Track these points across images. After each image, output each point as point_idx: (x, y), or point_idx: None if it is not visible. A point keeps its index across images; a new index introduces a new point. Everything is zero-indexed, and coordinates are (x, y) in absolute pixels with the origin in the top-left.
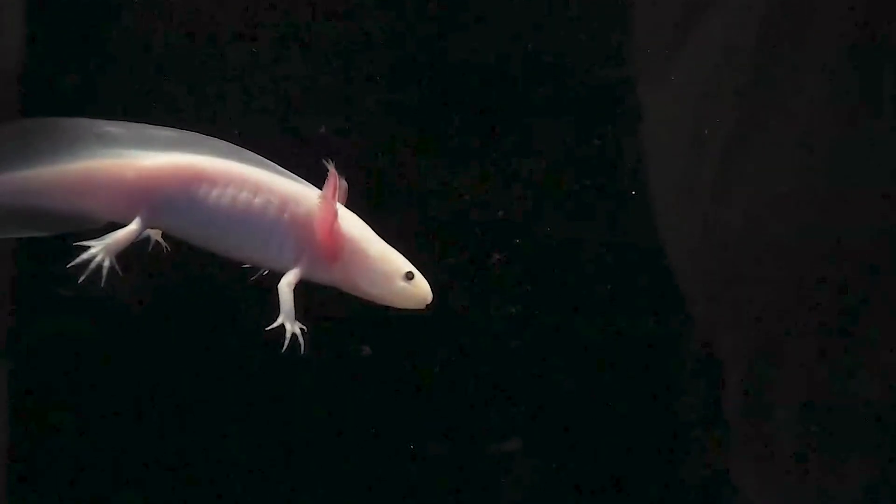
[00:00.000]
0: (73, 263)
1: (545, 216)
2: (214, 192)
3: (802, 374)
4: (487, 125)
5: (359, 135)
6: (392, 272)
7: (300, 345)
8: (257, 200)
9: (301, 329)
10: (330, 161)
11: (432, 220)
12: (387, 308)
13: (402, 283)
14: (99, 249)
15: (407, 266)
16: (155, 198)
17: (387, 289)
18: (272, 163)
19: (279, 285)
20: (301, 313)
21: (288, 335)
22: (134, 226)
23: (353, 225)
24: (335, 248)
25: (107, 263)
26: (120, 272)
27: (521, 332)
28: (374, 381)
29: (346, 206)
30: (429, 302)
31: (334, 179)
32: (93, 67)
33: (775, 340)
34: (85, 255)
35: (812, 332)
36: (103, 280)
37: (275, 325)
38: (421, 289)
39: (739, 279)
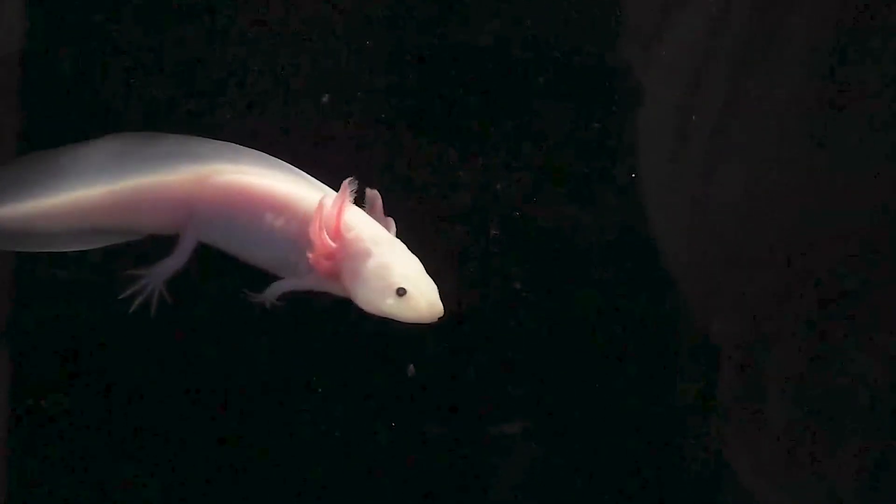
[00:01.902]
0: (124, 295)
1: (543, 198)
2: (244, 213)
3: (797, 358)
4: (487, 107)
5: (359, 117)
6: (383, 289)
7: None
8: (279, 222)
9: (273, 305)
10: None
11: (433, 202)
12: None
13: (392, 301)
14: (150, 279)
15: (404, 282)
16: (199, 215)
17: (377, 305)
18: (303, 173)
19: (277, 281)
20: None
21: (262, 297)
22: (182, 254)
23: (355, 240)
24: (331, 265)
25: (157, 292)
26: (169, 300)
27: (517, 315)
28: (375, 361)
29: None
30: (425, 319)
31: (341, 200)
32: (92, 53)
33: (770, 324)
34: (137, 286)
35: (806, 315)
36: (153, 308)
37: (254, 297)
38: (413, 307)
39: (734, 263)
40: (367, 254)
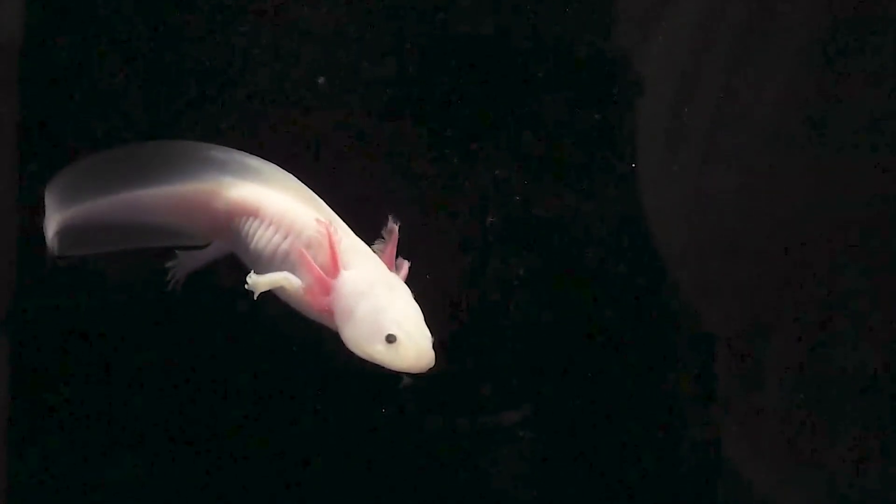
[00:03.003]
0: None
1: (542, 188)
2: (259, 231)
3: (796, 348)
4: (486, 97)
5: (358, 106)
6: (372, 333)
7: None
8: (284, 245)
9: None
10: (331, 227)
11: (431, 192)
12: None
13: (381, 347)
14: (175, 264)
15: (395, 328)
16: (230, 228)
17: (365, 349)
18: (323, 203)
19: (275, 273)
20: None
21: (248, 283)
22: (211, 250)
23: (351, 280)
24: (325, 302)
25: (178, 277)
26: (178, 289)
27: (514, 305)
28: None
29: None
30: (413, 369)
31: (341, 234)
32: (91, 43)
33: (769, 314)
34: (168, 264)
35: (806, 305)
36: (171, 286)
37: (248, 280)
38: (402, 355)
39: (733, 253)
40: (361, 294)
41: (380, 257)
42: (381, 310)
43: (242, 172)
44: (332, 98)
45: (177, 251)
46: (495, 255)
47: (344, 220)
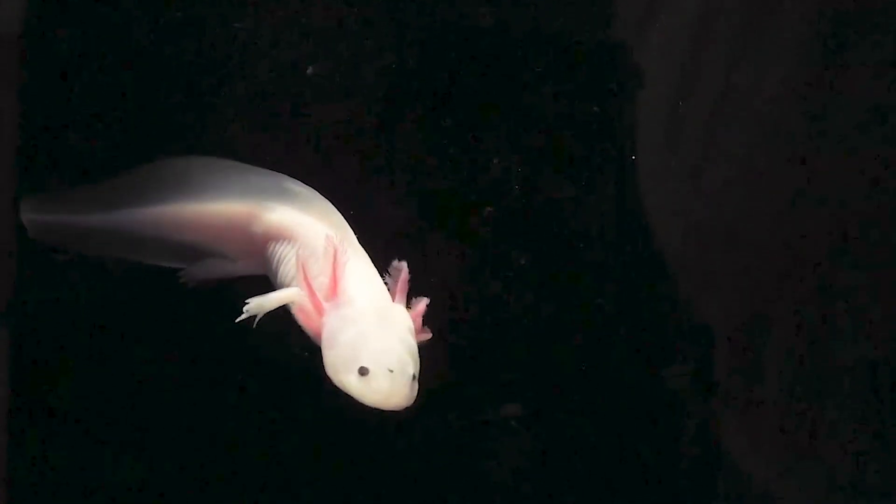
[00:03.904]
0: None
1: (540, 180)
2: (289, 256)
3: (796, 340)
4: (485, 89)
5: (358, 98)
6: (347, 362)
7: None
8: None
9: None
10: (337, 256)
11: (430, 183)
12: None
13: (353, 378)
14: (186, 274)
15: (370, 361)
16: (265, 252)
17: (338, 376)
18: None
19: (281, 289)
20: None
21: (247, 310)
22: (238, 266)
23: (344, 305)
24: (315, 324)
25: (191, 279)
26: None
27: (511, 297)
28: None
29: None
30: (381, 406)
31: (335, 261)
32: (92, 32)
33: (769, 306)
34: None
35: (803, 296)
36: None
37: (247, 306)
38: (373, 389)
39: (733, 245)
40: (350, 321)
41: (391, 290)
42: (362, 340)
43: (282, 197)
44: (330, 90)
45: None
46: (493, 247)
47: (338, 210)
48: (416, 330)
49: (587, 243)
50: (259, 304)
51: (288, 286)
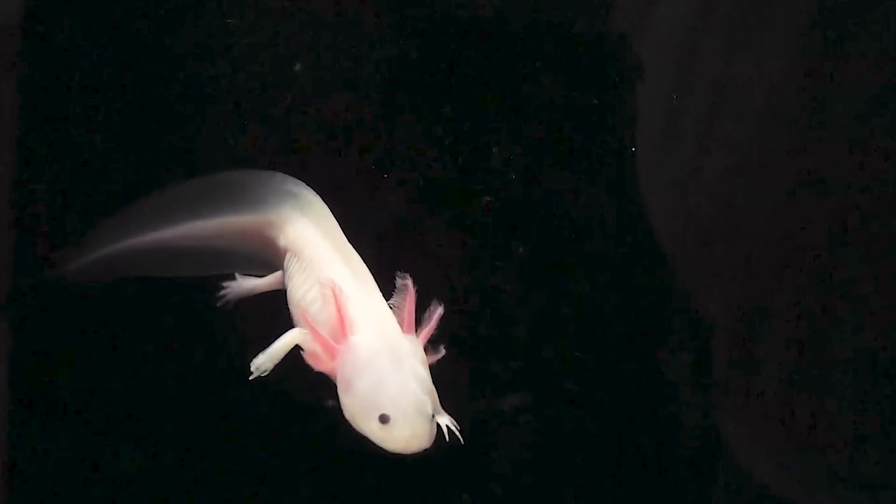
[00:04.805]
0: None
1: (540, 171)
2: (296, 272)
3: (795, 331)
4: (485, 80)
5: (357, 89)
6: (368, 410)
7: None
8: (312, 293)
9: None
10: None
11: (429, 174)
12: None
13: (374, 425)
14: (228, 290)
15: (391, 408)
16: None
17: (359, 424)
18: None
19: (285, 334)
20: None
21: (254, 365)
22: (272, 281)
23: (356, 346)
24: (329, 367)
25: (230, 297)
26: (228, 307)
27: (509, 288)
28: None
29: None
30: (403, 452)
31: (338, 303)
32: (92, 23)
33: (768, 297)
34: (225, 283)
35: (803, 287)
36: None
37: (255, 365)
38: (395, 437)
39: (732, 236)
40: (364, 364)
41: (399, 317)
42: (380, 385)
43: (305, 208)
44: (329, 82)
45: (236, 273)
46: (493, 237)
47: (342, 210)
48: (427, 353)
49: (586, 234)
50: (266, 360)
51: (293, 306)
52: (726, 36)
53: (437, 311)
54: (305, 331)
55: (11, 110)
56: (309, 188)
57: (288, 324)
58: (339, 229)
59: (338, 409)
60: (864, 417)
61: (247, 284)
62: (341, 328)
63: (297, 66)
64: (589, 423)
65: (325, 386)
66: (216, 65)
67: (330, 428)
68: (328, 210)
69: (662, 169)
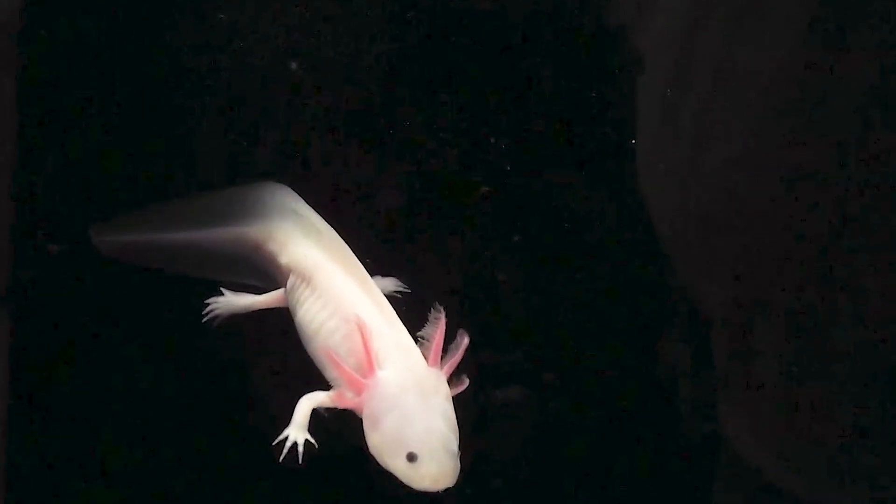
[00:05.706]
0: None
1: (539, 164)
2: (309, 301)
3: (793, 322)
4: (484, 74)
5: (359, 82)
6: (395, 447)
7: (298, 454)
8: (330, 324)
9: (306, 440)
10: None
11: (429, 166)
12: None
13: (401, 462)
14: (220, 304)
15: (418, 446)
16: (286, 284)
17: (386, 461)
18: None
19: (301, 399)
20: None
21: (288, 444)
22: (264, 299)
23: (383, 383)
24: (355, 403)
25: (218, 316)
26: (214, 324)
27: (509, 280)
28: None
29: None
30: (430, 489)
31: (364, 339)
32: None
33: (768, 289)
34: (212, 303)
35: (803, 279)
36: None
37: (281, 437)
38: (422, 475)
39: (731, 228)
40: (391, 400)
41: (425, 349)
42: (407, 423)
43: (308, 228)
44: (329, 76)
45: (223, 289)
46: (492, 229)
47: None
48: (451, 383)
49: (586, 226)
50: (297, 432)
51: (309, 336)
52: (725, 29)
53: (464, 342)
54: (324, 393)
55: (11, 103)
56: (309, 207)
57: (298, 346)
58: (347, 249)
59: (362, 442)
60: (864, 409)
61: (242, 301)
62: (368, 363)
63: (294, 65)
64: (589, 415)
65: (324, 385)
66: (215, 58)
67: (327, 425)
68: (331, 228)
69: (662, 161)
